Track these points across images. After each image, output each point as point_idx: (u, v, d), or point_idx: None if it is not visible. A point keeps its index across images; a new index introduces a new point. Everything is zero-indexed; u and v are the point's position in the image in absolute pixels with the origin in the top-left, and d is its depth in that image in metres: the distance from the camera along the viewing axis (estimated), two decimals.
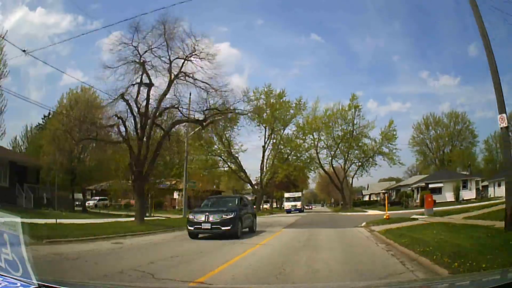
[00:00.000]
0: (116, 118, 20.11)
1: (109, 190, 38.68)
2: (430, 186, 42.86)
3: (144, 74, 19.57)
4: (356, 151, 49.60)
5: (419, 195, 46.06)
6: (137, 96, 20.24)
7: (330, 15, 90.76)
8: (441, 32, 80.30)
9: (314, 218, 31.33)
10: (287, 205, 49.62)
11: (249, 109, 47.61)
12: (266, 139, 48.53)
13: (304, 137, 48.76)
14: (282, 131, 49.02)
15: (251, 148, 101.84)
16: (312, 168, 51.79)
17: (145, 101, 20.13)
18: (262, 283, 6.03)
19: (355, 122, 48.46)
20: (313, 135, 48.65)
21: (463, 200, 41.03)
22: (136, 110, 20.24)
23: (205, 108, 20.62)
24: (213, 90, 20.29)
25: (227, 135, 48.78)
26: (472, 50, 77.18)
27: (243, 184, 58.91)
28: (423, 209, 33.79)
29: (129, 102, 19.72)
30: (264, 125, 47.55)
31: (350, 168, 51.86)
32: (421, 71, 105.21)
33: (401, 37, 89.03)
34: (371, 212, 38.59)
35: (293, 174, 46.70)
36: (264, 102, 48.31)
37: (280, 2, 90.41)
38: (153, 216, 28.65)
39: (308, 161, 50.46)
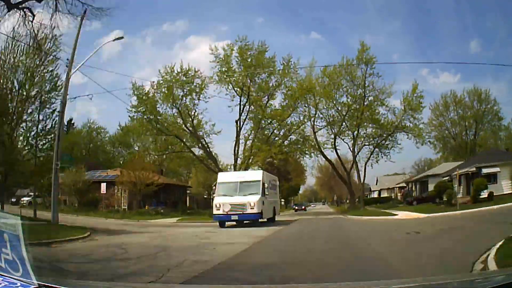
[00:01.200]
0: None
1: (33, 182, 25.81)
2: (483, 171, 28.46)
3: None
4: (370, 125, 34.53)
5: (461, 187, 32.06)
6: None
7: (330, 14, 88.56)
8: (440, 31, 77.29)
9: (298, 243, 12.07)
10: (218, 203, 19.19)
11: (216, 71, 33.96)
12: (241, 111, 33.90)
13: (295, 104, 33.18)
14: (265, 102, 34.44)
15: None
16: (307, 151, 36.28)
17: None
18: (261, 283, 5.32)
19: (366, 84, 33.04)
20: (307, 101, 33.34)
21: None
22: None
23: None
24: None
25: (190, 110, 34.68)
26: (473, 47, 75.52)
27: (215, 178, 44.36)
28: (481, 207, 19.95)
29: None
30: (236, 89, 32.93)
31: (360, 153, 36.78)
32: (420, 69, 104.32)
33: (401, 35, 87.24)
34: (401, 214, 24.33)
35: (277, 158, 31.32)
36: (239, 60, 33.99)
37: (280, 1, 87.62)
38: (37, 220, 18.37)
39: (302, 141, 35.61)
